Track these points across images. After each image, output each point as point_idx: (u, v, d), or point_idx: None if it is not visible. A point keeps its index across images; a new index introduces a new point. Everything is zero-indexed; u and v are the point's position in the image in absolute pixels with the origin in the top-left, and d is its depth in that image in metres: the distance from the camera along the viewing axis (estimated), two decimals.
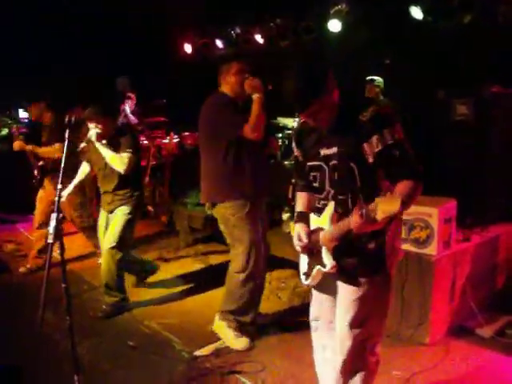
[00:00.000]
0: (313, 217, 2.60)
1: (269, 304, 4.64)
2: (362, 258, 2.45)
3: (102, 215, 4.74)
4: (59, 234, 2.76)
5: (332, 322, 2.66)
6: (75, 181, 4.88)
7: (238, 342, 3.88)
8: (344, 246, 2.42)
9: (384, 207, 2.04)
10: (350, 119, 2.37)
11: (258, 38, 7.99)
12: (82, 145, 4.46)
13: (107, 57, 8.54)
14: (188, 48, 9.05)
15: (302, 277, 2.67)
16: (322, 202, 2.53)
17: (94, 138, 4.37)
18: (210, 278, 5.33)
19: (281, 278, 5.19)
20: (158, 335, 4.13)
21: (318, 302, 2.76)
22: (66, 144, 2.92)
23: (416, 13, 6.06)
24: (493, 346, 3.84)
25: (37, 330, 3.00)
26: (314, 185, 2.56)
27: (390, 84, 6.46)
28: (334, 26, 6.78)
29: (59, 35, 8.27)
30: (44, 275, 2.92)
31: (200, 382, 3.47)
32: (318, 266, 2.51)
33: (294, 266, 5.16)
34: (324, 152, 2.48)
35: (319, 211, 2.54)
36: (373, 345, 2.60)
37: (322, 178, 2.51)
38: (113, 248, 4.47)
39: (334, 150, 2.42)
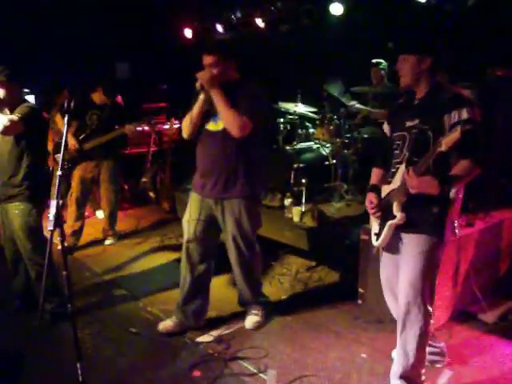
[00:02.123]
0: (384, 187, 3.07)
1: (271, 289, 4.63)
2: (426, 217, 2.85)
3: None
4: (59, 221, 2.73)
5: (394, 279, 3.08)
6: None
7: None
8: (412, 202, 2.83)
9: (445, 139, 2.53)
10: (434, 97, 2.87)
11: (259, 22, 7.90)
12: None
13: (107, 43, 8.45)
14: (188, 32, 8.96)
15: (373, 238, 3.11)
16: (397, 165, 2.95)
17: None
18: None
19: (283, 264, 5.19)
20: (160, 321, 4.11)
21: (386, 264, 3.16)
22: (65, 129, 2.88)
23: None
24: (495, 331, 3.84)
25: (38, 316, 3.00)
26: (396, 152, 2.99)
27: (393, 68, 6.38)
28: (336, 9, 6.70)
29: (56, 20, 8.18)
30: (45, 263, 2.91)
31: (203, 368, 3.46)
32: (389, 222, 2.92)
33: (296, 251, 5.21)
34: (408, 124, 2.93)
35: (392, 175, 2.98)
36: (425, 302, 2.92)
37: (402, 144, 2.95)
38: (32, 258, 4.03)
39: (416, 121, 2.88)
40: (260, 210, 4.03)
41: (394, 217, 2.89)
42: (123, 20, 8.61)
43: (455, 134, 2.48)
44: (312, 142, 6.15)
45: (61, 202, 2.71)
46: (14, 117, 3.79)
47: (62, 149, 2.85)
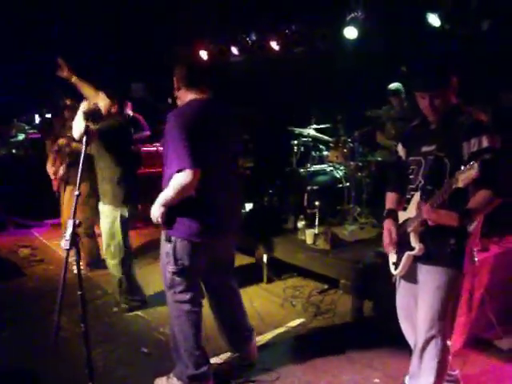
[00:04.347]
0: (400, 213, 3.01)
1: (283, 312, 4.62)
2: (443, 248, 2.77)
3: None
4: (75, 241, 2.75)
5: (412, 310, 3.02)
6: None
7: None
8: (429, 233, 2.77)
9: (462, 176, 2.43)
10: (451, 122, 2.79)
11: (274, 45, 7.99)
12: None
13: (123, 63, 8.58)
14: (203, 55, 9.07)
15: (392, 267, 3.05)
16: (412, 192, 2.91)
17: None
18: None
19: (296, 287, 5.17)
20: None
21: (403, 292, 3.09)
22: (83, 150, 2.92)
23: (433, 20, 6.02)
24: (511, 358, 3.78)
25: (52, 336, 3.00)
26: (411, 177, 2.94)
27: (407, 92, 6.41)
28: (350, 33, 6.75)
29: (74, 42, 8.34)
30: (60, 281, 2.92)
31: None
32: (407, 252, 2.87)
33: (309, 274, 5.19)
34: (425, 149, 2.88)
35: (407, 202, 2.94)
36: (445, 337, 2.87)
37: (417, 170, 2.89)
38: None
39: (433, 147, 2.83)
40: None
41: (413, 248, 2.84)
42: (139, 41, 8.75)
43: (472, 172, 2.40)
44: (325, 165, 6.17)
45: (77, 221, 2.73)
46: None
47: (80, 169, 2.89)
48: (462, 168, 2.45)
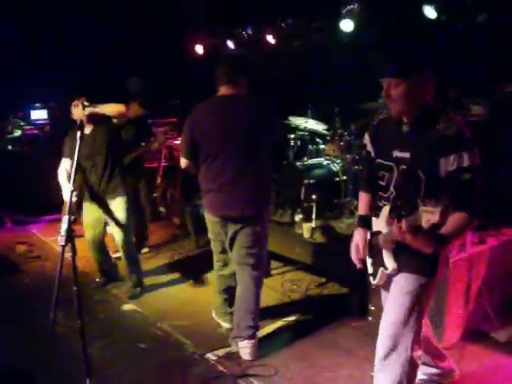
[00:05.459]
0: (374, 220, 2.76)
1: (281, 306, 4.61)
2: (417, 257, 2.51)
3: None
4: (71, 237, 2.74)
5: None
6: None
7: None
8: (402, 246, 2.49)
9: (424, 216, 2.14)
10: (428, 127, 2.45)
11: (270, 39, 7.97)
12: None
13: (119, 58, 8.54)
14: (199, 49, 9.04)
15: (370, 277, 2.86)
16: (384, 201, 2.64)
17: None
18: None
19: (293, 280, 5.17)
20: (170, 337, 4.12)
21: (384, 298, 2.90)
22: (77, 146, 2.90)
23: (429, 12, 5.99)
24: (508, 350, 3.78)
25: (48, 331, 2.99)
26: (381, 183, 2.65)
27: None
28: (347, 25, 6.73)
29: (69, 38, 8.32)
30: (56, 277, 2.91)
31: None
32: (382, 268, 2.68)
33: (307, 268, 5.19)
34: (396, 154, 2.56)
35: (379, 209, 2.67)
36: (408, 346, 2.67)
37: (389, 178, 2.59)
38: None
39: (407, 154, 2.51)
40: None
41: (386, 267, 2.65)
42: (135, 35, 8.71)
43: (434, 217, 2.11)
44: (322, 158, 6.15)
45: (73, 217, 2.72)
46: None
47: (74, 164, 2.87)
48: (425, 208, 2.14)
